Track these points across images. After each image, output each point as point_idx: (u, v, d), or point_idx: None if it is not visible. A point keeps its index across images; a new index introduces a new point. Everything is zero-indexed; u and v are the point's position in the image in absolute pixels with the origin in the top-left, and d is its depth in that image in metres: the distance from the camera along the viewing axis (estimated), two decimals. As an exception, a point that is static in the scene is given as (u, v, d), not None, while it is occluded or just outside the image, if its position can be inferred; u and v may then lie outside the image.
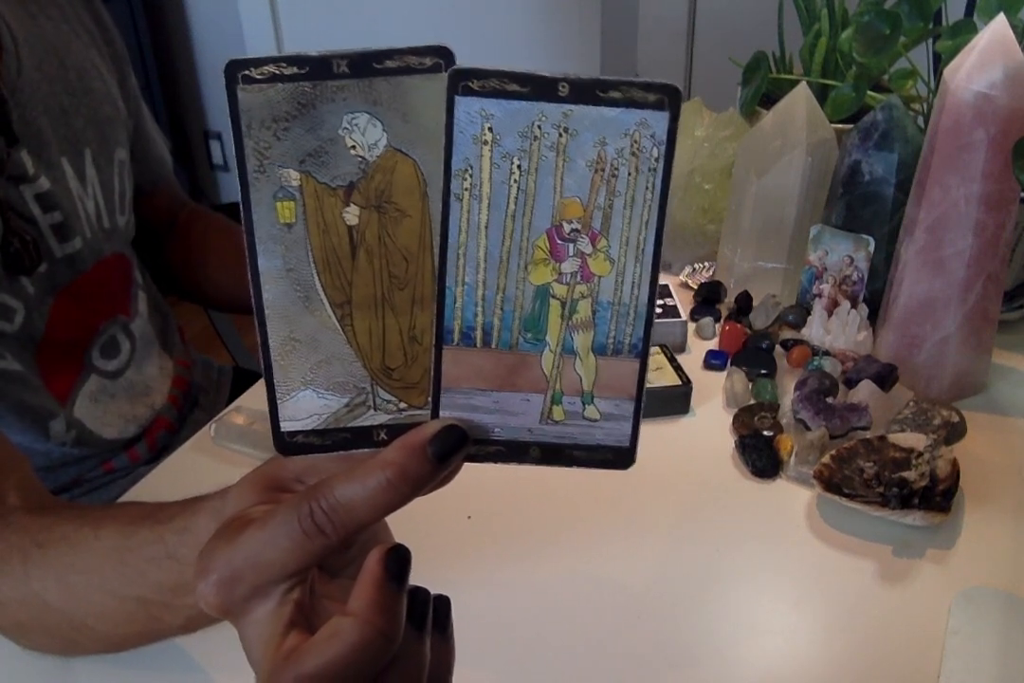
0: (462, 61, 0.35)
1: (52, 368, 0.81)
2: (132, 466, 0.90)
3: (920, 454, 0.73)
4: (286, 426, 0.39)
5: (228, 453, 0.81)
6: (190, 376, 1.01)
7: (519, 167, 0.35)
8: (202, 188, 2.88)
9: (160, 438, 0.93)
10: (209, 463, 0.80)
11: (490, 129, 0.35)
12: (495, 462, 0.39)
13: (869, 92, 0.95)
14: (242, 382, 1.06)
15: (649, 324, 0.38)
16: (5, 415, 0.77)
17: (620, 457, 0.39)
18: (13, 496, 0.59)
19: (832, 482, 0.72)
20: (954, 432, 0.78)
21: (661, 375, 0.85)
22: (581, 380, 0.38)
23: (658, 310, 0.93)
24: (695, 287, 1.01)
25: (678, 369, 0.86)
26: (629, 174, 0.36)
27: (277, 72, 0.35)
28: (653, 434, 0.82)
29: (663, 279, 1.00)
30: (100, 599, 0.52)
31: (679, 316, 0.93)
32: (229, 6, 2.48)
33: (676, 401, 0.85)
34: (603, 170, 0.35)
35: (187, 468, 0.81)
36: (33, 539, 0.55)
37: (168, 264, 1.04)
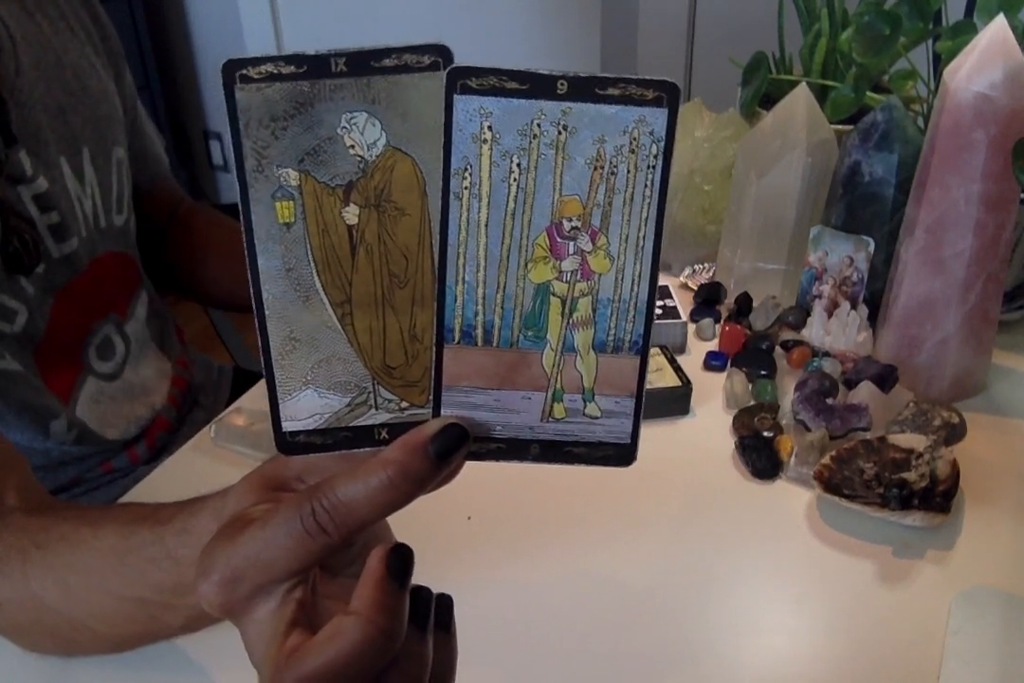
0: (461, 61, 0.35)
1: (52, 369, 0.81)
2: (132, 466, 0.90)
3: (920, 455, 0.73)
4: (287, 426, 0.39)
5: (228, 454, 0.81)
6: (189, 376, 1.00)
7: (518, 165, 0.35)
8: (202, 188, 2.87)
9: (160, 438, 0.93)
10: (209, 464, 0.80)
11: (489, 127, 0.35)
12: (496, 460, 0.39)
13: (869, 93, 0.95)
14: (242, 382, 1.06)
15: (649, 321, 0.38)
16: (4, 414, 0.77)
17: (621, 454, 0.39)
18: (12, 497, 0.59)
19: (832, 483, 0.72)
20: (954, 433, 0.78)
21: (661, 376, 0.85)
22: (582, 377, 0.38)
23: (658, 311, 0.93)
24: (695, 288, 1.01)
25: (678, 370, 0.86)
26: (628, 171, 0.36)
27: (275, 71, 0.35)
28: (653, 435, 0.82)
29: (663, 280, 1.00)
30: (99, 599, 0.52)
31: (679, 317, 0.93)
32: (229, 6, 2.48)
33: (676, 402, 0.85)
34: (602, 167, 0.36)
35: (187, 469, 0.80)
36: (32, 540, 0.55)
37: (168, 261, 1.03)
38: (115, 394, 0.88)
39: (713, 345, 0.95)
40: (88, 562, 0.52)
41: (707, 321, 0.96)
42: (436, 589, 0.40)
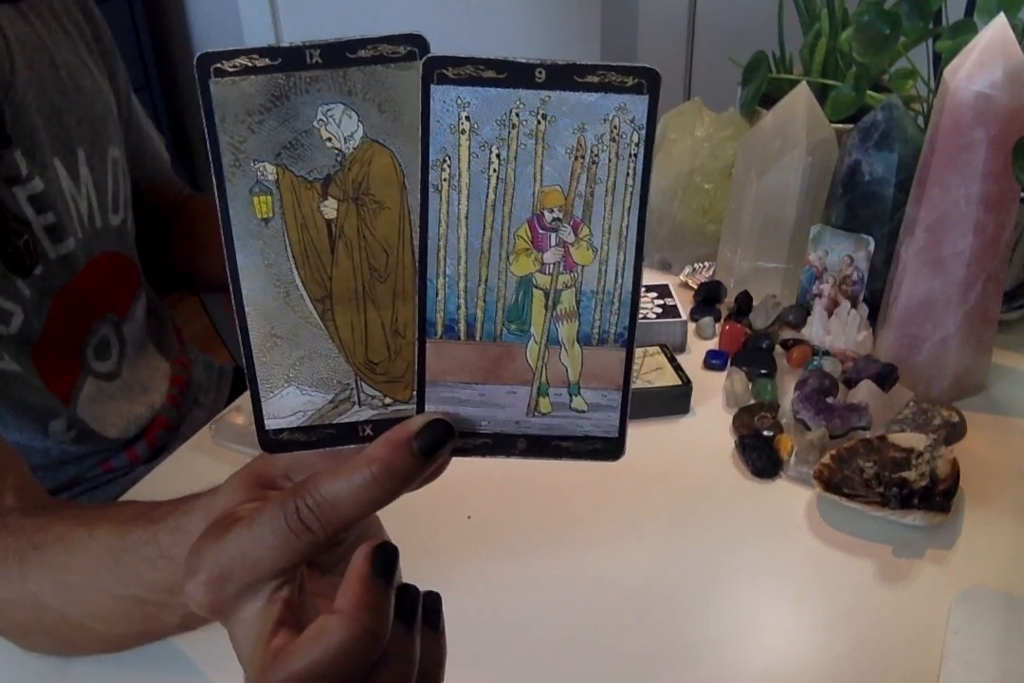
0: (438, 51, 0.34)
1: (51, 369, 0.81)
2: (131, 465, 0.90)
3: (920, 454, 0.73)
4: (270, 424, 0.39)
5: (228, 453, 0.81)
6: (188, 375, 1.00)
7: (498, 156, 0.35)
8: (202, 188, 2.88)
9: (159, 437, 0.93)
10: (209, 463, 0.80)
11: (467, 118, 0.34)
12: (482, 455, 0.38)
13: (869, 92, 0.95)
14: (242, 382, 1.06)
15: (635, 313, 0.37)
16: (3, 414, 0.77)
17: (609, 448, 0.39)
18: (10, 497, 0.59)
19: (832, 482, 0.72)
20: (954, 432, 0.77)
21: (661, 375, 0.85)
22: (567, 371, 0.38)
23: (658, 310, 0.93)
24: (695, 287, 1.01)
25: (678, 369, 0.86)
26: (609, 160, 0.35)
27: (249, 64, 0.35)
28: (653, 434, 0.82)
29: (663, 279, 1.00)
30: (96, 599, 0.52)
31: (679, 316, 0.92)
32: (229, 6, 2.48)
33: (676, 401, 0.85)
34: (583, 157, 0.35)
35: (187, 468, 0.80)
36: (29, 540, 0.55)
37: (170, 251, 1.03)
38: (114, 393, 0.88)
39: (713, 344, 0.94)
40: (84, 562, 0.52)
41: (707, 320, 0.96)
42: (436, 589, 0.40)
